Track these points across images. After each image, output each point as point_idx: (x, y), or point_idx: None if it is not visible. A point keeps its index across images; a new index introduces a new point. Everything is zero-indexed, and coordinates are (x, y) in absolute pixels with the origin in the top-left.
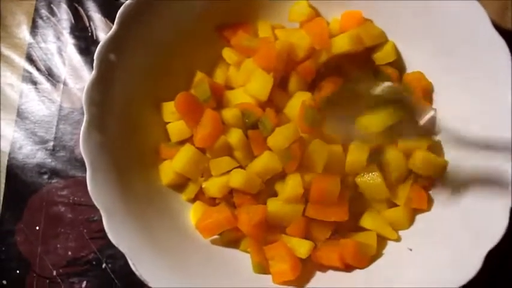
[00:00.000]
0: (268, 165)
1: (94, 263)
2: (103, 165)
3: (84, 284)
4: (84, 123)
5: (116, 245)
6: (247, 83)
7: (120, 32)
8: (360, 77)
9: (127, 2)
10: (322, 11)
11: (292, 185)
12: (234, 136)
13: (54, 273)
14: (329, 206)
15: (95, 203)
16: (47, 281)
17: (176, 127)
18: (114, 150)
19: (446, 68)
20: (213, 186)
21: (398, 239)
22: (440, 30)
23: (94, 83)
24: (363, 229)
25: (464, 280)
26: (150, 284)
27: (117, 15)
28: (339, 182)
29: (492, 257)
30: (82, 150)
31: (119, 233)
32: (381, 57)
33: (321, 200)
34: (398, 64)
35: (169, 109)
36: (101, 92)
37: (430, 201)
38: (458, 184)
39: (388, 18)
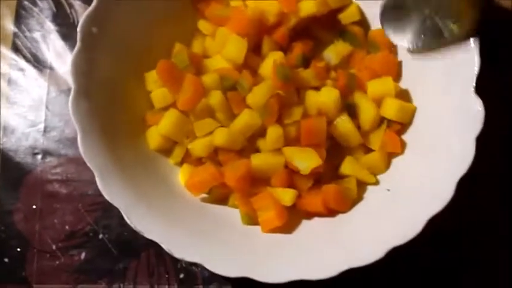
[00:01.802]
0: (249, 121)
1: (91, 234)
2: (93, 130)
3: (83, 255)
4: (72, 91)
5: (111, 201)
6: (223, 48)
7: (99, 5)
8: (327, 37)
9: None
10: None
11: (273, 138)
12: (214, 98)
13: (54, 247)
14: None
15: (88, 163)
16: (48, 255)
17: (159, 94)
18: (103, 117)
19: None
20: (198, 146)
21: (376, 183)
22: None
23: (79, 54)
24: (343, 177)
25: (439, 207)
26: (145, 235)
27: None
28: (325, 120)
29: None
30: (72, 115)
31: (112, 191)
32: (346, 16)
33: (310, 142)
34: (363, 23)
35: (152, 78)
36: (86, 62)
37: (403, 145)
38: None
39: None
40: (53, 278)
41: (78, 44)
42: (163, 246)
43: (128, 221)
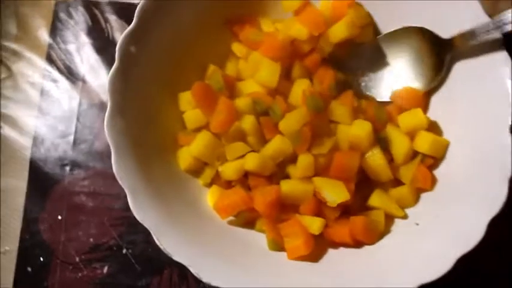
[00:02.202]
0: (281, 148)
1: (115, 248)
2: (126, 148)
3: (105, 268)
4: (108, 109)
5: (141, 222)
6: (257, 72)
7: (139, 26)
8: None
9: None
10: None
11: (303, 165)
12: (247, 122)
13: (77, 259)
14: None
15: (120, 182)
16: (70, 267)
17: (192, 115)
18: (136, 136)
19: None
20: (229, 169)
21: (405, 217)
22: None
23: (117, 72)
24: (371, 208)
25: (468, 247)
26: (173, 257)
27: (137, 10)
28: (359, 157)
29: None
30: (107, 133)
31: (143, 210)
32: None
33: (340, 175)
34: None
35: (186, 99)
36: (123, 81)
37: (433, 181)
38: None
39: None
40: None
41: (116, 62)
42: (191, 269)
43: (158, 243)
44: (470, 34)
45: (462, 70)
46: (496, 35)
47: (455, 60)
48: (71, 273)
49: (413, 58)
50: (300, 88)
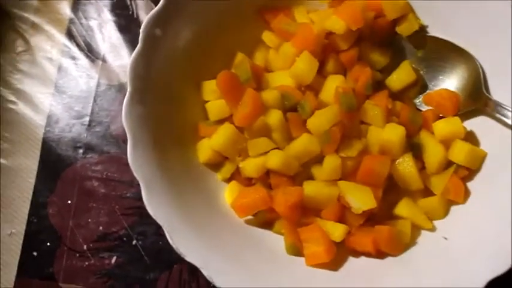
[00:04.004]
0: (307, 147)
1: (125, 239)
2: (143, 138)
3: (113, 259)
4: (127, 95)
5: (154, 217)
6: (292, 65)
7: (166, 7)
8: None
9: None
10: None
11: (330, 168)
12: (274, 117)
13: (85, 247)
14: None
15: (135, 174)
16: (77, 254)
17: (215, 106)
18: (155, 124)
19: None
20: (250, 166)
21: (433, 229)
22: None
23: (139, 56)
24: (397, 217)
25: (501, 269)
26: (185, 258)
27: None
28: (389, 162)
29: None
30: (124, 121)
31: (157, 206)
32: (406, 28)
33: (368, 181)
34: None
35: (210, 87)
36: (145, 65)
37: (466, 194)
38: None
39: None
40: (81, 279)
41: (139, 44)
42: (203, 272)
43: (170, 241)
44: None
45: None
46: None
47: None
48: (78, 261)
49: (453, 77)
50: (332, 84)
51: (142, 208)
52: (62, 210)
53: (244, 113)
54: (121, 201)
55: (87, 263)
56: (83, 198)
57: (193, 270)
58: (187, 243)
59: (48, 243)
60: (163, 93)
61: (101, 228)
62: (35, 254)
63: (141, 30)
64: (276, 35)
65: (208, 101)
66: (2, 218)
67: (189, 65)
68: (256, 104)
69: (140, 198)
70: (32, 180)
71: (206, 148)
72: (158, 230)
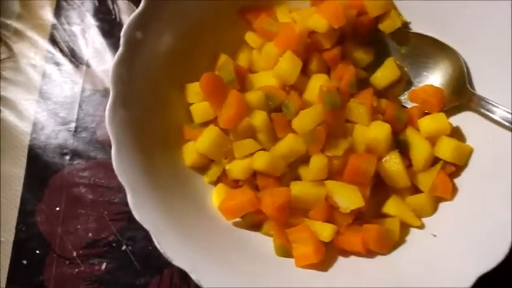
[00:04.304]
0: (293, 147)
1: (114, 244)
2: (128, 142)
3: (103, 265)
4: (110, 99)
5: (140, 222)
6: (275, 65)
7: (147, 10)
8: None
9: None
10: None
11: (316, 167)
12: (258, 118)
13: (74, 254)
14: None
15: (120, 179)
16: (67, 261)
17: (200, 108)
18: (139, 128)
19: None
20: (237, 168)
21: (421, 226)
22: None
23: (121, 60)
24: (386, 216)
25: (490, 266)
26: (173, 262)
27: None
28: (376, 161)
29: None
30: (108, 125)
31: (143, 211)
32: (388, 25)
33: (355, 179)
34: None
35: (194, 90)
36: (127, 69)
37: (454, 190)
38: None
39: None
40: (71, 286)
41: (120, 48)
42: (192, 276)
43: (158, 246)
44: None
45: None
46: None
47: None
48: (68, 268)
49: (437, 73)
50: (316, 84)
51: (131, 213)
52: (51, 217)
53: (228, 115)
54: (109, 207)
55: (77, 270)
56: (71, 204)
57: (184, 275)
58: (174, 247)
59: (38, 251)
60: (146, 96)
61: (90, 234)
62: (24, 262)
63: (121, 34)
64: (259, 35)
65: (192, 104)
66: None
67: (172, 67)
68: (241, 105)
69: (128, 204)
70: (19, 188)
71: (192, 151)
72: (147, 235)
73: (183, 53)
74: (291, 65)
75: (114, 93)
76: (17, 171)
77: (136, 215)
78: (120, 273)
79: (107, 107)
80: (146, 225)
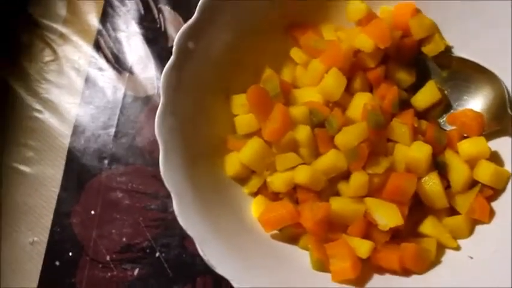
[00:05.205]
0: (334, 163)
1: (148, 251)
2: (175, 149)
3: (136, 271)
4: (160, 106)
5: (185, 229)
6: (320, 81)
7: (199, 21)
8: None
9: None
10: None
11: (357, 184)
12: (302, 133)
13: (108, 258)
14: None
15: (166, 185)
16: (100, 265)
17: (244, 120)
18: (185, 136)
19: None
20: (278, 180)
21: (457, 248)
22: None
23: (172, 68)
24: (422, 235)
25: None
26: (216, 270)
27: (199, 5)
28: (416, 180)
29: None
30: (157, 131)
31: (188, 217)
32: (432, 48)
33: (394, 198)
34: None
35: (239, 101)
36: (177, 77)
37: (491, 213)
38: None
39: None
40: None
41: (172, 57)
42: (233, 284)
43: (201, 253)
44: None
45: None
46: None
47: None
48: (100, 272)
49: (478, 98)
50: (360, 102)
51: (167, 220)
52: (86, 220)
53: (273, 127)
54: (145, 213)
55: (109, 274)
56: (107, 209)
57: (217, 284)
58: (217, 255)
59: (71, 253)
60: (194, 105)
61: (124, 239)
62: (57, 263)
63: (174, 43)
64: (304, 51)
65: (237, 115)
66: (24, 226)
67: (220, 78)
68: (285, 119)
69: (164, 210)
70: (56, 189)
71: (234, 161)
72: (182, 243)
73: (230, 64)
74: (336, 81)
75: (164, 100)
76: (55, 173)
77: (182, 222)
78: (152, 280)
79: (157, 114)
80: (191, 232)
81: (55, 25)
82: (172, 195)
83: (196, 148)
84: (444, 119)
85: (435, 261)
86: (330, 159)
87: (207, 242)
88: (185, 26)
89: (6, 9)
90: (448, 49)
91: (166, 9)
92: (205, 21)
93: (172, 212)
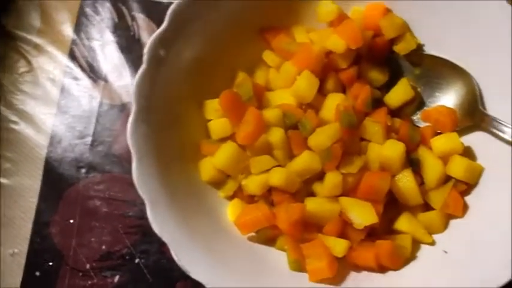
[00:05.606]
0: (309, 164)
1: (127, 257)
2: (148, 156)
3: (116, 278)
4: (132, 114)
5: (159, 235)
6: (293, 84)
7: (170, 28)
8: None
9: (179, 0)
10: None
11: (331, 184)
12: (275, 135)
13: (88, 266)
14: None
15: (139, 191)
16: (80, 273)
17: (218, 124)
18: (158, 143)
19: None
20: (253, 183)
21: (433, 243)
22: None
23: (143, 76)
24: (397, 232)
25: (502, 281)
26: (191, 275)
27: (168, 12)
28: (390, 178)
29: None
30: (129, 139)
31: (162, 223)
32: (403, 47)
33: (368, 196)
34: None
35: (212, 106)
36: (149, 85)
37: (465, 208)
38: None
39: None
40: None
41: (144, 65)
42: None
43: (176, 258)
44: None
45: None
46: None
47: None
48: (81, 280)
49: (450, 94)
50: (333, 102)
51: (145, 226)
52: (65, 229)
53: (246, 131)
54: (123, 220)
55: (90, 282)
56: (86, 217)
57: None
58: (192, 260)
59: (51, 263)
60: (166, 112)
61: (103, 247)
62: (37, 273)
63: (145, 51)
64: (277, 54)
65: (210, 120)
66: (4, 238)
67: (192, 83)
68: (259, 122)
69: (142, 217)
70: (34, 199)
71: (209, 166)
72: (160, 249)
73: (202, 70)
74: (309, 83)
75: (137, 108)
76: (33, 183)
77: (156, 228)
78: (133, 286)
79: (129, 121)
80: (165, 238)
81: (29, 36)
82: (146, 202)
83: (170, 154)
84: (418, 116)
85: (411, 257)
86: (304, 161)
87: (182, 247)
88: (155, 34)
89: None
90: (419, 47)
91: (140, 17)
92: (176, 28)
93: None
